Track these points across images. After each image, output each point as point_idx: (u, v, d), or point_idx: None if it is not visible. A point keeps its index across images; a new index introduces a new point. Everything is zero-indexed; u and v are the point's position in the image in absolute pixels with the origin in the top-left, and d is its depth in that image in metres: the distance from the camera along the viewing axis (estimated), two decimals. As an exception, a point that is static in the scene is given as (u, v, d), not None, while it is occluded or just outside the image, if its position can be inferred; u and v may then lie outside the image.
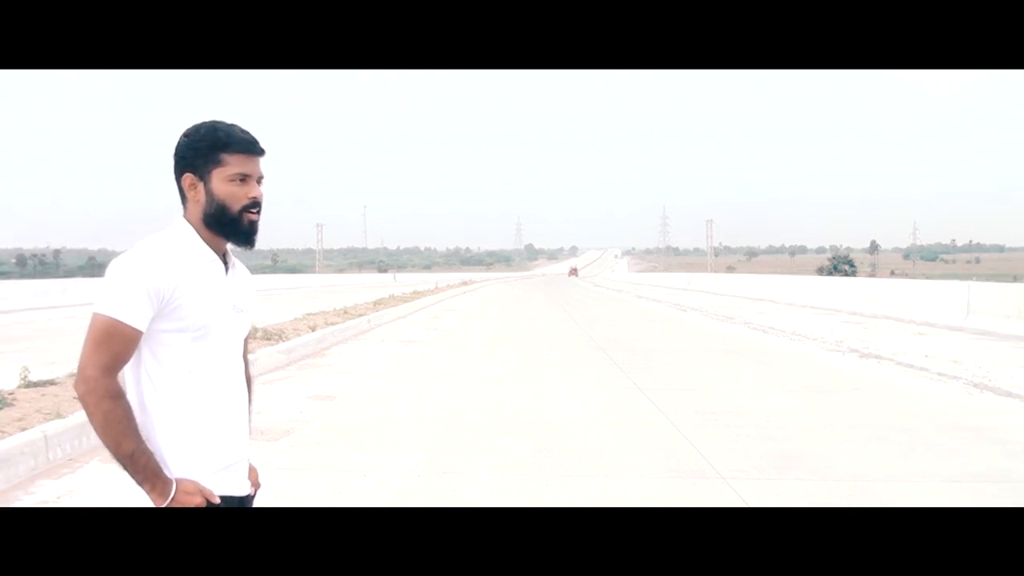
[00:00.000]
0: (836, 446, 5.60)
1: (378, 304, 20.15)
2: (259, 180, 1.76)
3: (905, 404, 7.27)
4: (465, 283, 51.10)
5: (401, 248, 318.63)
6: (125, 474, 1.64)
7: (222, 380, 1.75)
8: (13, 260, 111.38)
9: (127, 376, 1.68)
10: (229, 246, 1.79)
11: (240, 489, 1.80)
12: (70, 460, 5.05)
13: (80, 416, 5.43)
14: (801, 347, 12.11)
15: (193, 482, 1.67)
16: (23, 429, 4.98)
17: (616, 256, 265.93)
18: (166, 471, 1.65)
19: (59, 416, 5.34)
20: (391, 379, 8.78)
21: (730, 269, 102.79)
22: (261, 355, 9.33)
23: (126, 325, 1.60)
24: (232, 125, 1.74)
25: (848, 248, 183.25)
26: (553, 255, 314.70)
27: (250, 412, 1.88)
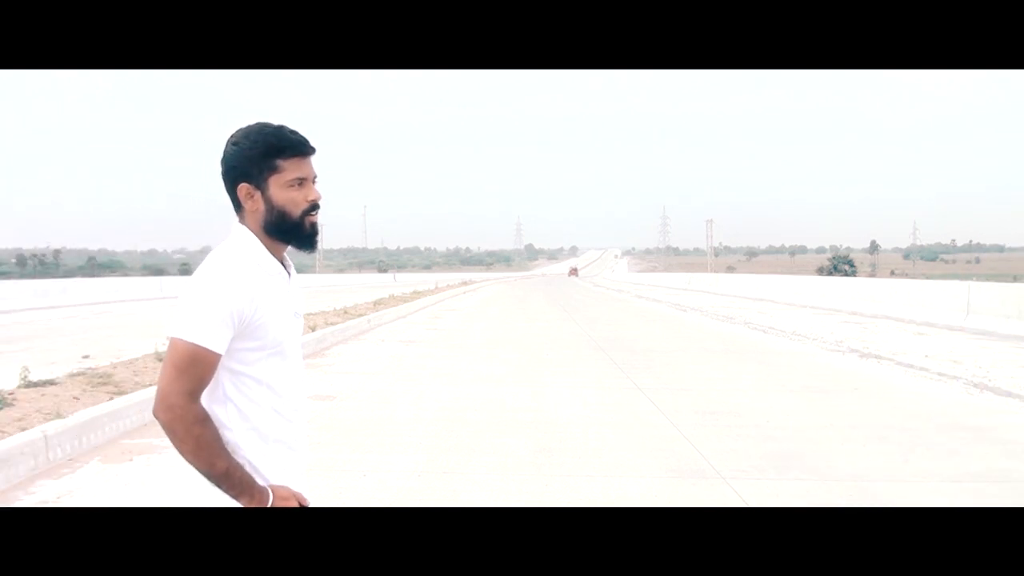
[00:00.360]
0: (836, 446, 5.60)
1: (378, 304, 20.16)
2: (314, 180, 1.71)
3: (905, 404, 7.28)
4: (465, 283, 51.11)
5: (401, 248, 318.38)
6: (218, 490, 1.62)
7: (294, 388, 1.74)
8: (13, 260, 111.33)
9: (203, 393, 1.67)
10: (288, 249, 1.75)
11: (305, 490, 1.82)
12: (70, 460, 5.05)
13: (80, 416, 5.43)
14: (801, 347, 12.11)
15: (286, 487, 1.68)
16: (23, 429, 4.98)
17: (616, 256, 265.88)
18: (260, 480, 1.65)
19: (59, 416, 5.34)
20: (391, 379, 8.78)
21: (730, 269, 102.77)
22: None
23: (208, 351, 1.57)
24: (280, 127, 1.69)
25: (848, 248, 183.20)
26: (553, 255, 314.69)
27: None
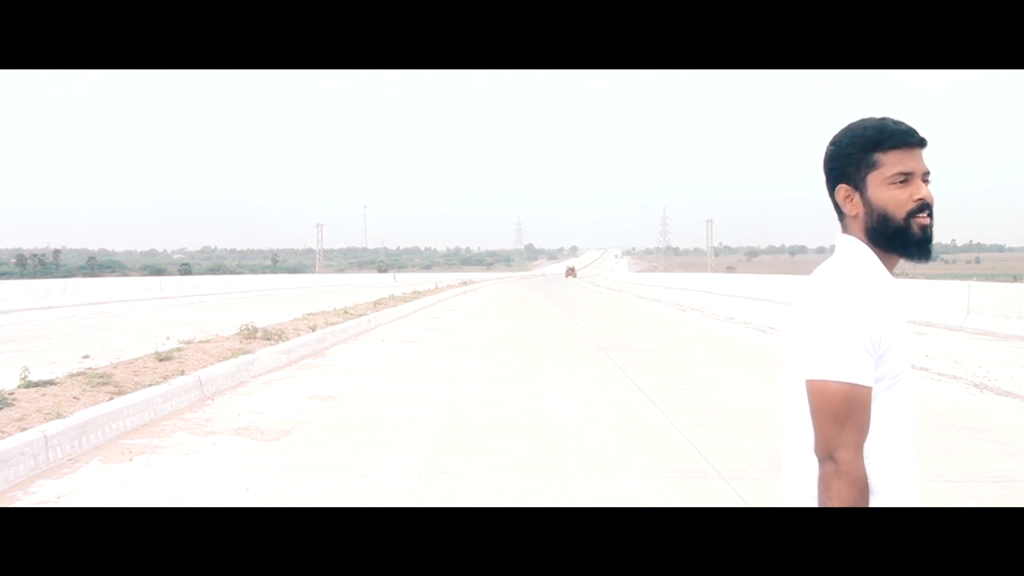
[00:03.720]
0: (836, 446, 5.60)
1: (378, 304, 20.16)
2: (924, 177, 1.46)
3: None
4: (465, 283, 51.12)
5: (401, 248, 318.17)
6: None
7: (904, 427, 1.47)
8: (13, 260, 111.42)
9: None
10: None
11: None
12: (70, 460, 5.05)
13: (80, 416, 5.43)
14: (801, 347, 12.10)
15: None
16: (23, 429, 4.98)
17: (616, 256, 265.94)
18: None
19: (59, 416, 5.34)
20: (391, 379, 8.78)
21: (730, 269, 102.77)
22: (261, 355, 9.33)
23: (863, 388, 1.36)
24: (883, 119, 1.48)
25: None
26: (553, 255, 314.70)
27: None
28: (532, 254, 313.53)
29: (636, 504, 4.26)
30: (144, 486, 4.50)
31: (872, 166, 1.45)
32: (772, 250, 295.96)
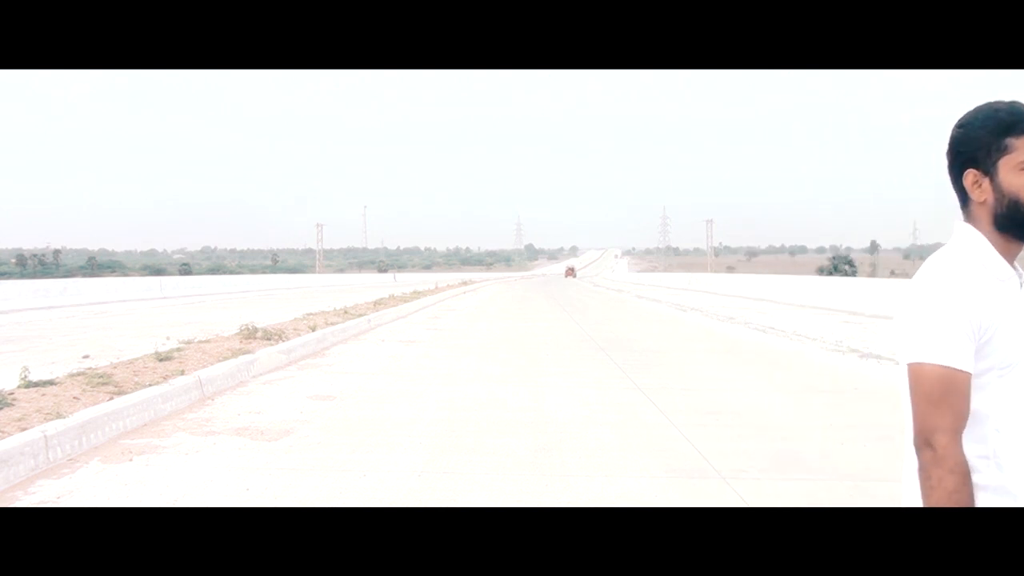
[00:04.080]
0: (836, 446, 5.60)
1: (378, 304, 20.16)
2: None
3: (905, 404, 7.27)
4: (465, 283, 51.13)
5: (401, 248, 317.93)
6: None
7: (1018, 420, 1.41)
8: (13, 260, 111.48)
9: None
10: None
11: None
12: (70, 460, 5.05)
13: (80, 416, 5.43)
14: (801, 347, 12.11)
15: None
16: (23, 429, 4.98)
17: (616, 256, 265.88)
18: None
19: (59, 416, 5.34)
20: (391, 379, 8.78)
21: (730, 269, 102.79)
22: (261, 355, 9.33)
23: (962, 372, 1.35)
24: (1013, 102, 1.44)
25: (848, 248, 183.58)
26: (553, 255, 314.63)
27: None
28: (532, 254, 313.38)
29: (636, 504, 4.26)
30: (144, 486, 4.50)
31: (1004, 150, 1.41)
32: (772, 250, 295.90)
